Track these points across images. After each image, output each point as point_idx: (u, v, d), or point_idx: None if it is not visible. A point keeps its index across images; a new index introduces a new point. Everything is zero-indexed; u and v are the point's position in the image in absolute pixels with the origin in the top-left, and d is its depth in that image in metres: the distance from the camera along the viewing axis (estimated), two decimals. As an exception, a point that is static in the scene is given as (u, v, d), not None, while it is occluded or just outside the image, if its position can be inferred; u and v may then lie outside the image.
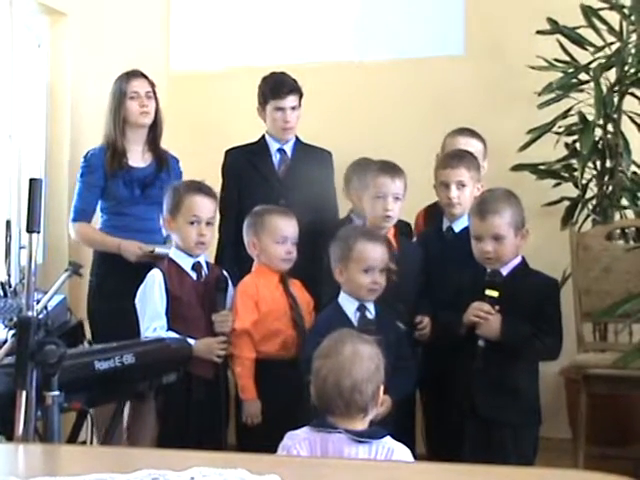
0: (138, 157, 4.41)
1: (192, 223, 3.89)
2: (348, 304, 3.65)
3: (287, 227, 3.95)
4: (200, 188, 3.96)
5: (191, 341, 3.79)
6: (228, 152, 4.59)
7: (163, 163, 4.42)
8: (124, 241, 4.23)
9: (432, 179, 4.16)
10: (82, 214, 4.40)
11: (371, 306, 3.66)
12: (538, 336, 3.51)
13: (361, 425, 2.66)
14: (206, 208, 3.92)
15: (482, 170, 4.27)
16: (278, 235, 3.93)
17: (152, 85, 4.43)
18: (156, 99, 4.43)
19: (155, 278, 3.87)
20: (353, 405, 2.65)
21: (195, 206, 3.90)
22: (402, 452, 2.61)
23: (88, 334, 3.86)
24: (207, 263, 4.00)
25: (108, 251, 4.28)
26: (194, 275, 3.93)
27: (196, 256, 3.93)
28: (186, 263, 3.92)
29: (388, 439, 2.63)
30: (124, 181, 4.31)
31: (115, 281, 4.18)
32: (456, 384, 3.63)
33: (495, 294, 3.52)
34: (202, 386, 3.81)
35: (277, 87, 4.44)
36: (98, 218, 4.47)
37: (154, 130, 4.44)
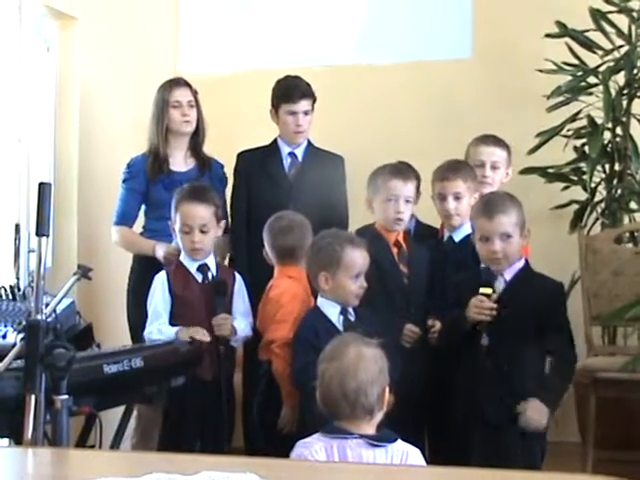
0: (180, 162, 4.46)
1: (186, 232, 3.91)
2: (330, 309, 3.63)
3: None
4: (191, 195, 3.96)
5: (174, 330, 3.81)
6: (240, 155, 4.60)
7: (205, 167, 4.45)
8: (158, 243, 4.24)
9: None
10: (124, 218, 4.43)
11: (351, 309, 3.65)
12: (563, 362, 3.55)
13: (369, 428, 2.66)
14: (197, 216, 3.91)
15: (507, 176, 4.27)
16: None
17: (195, 93, 4.47)
18: (198, 106, 4.46)
19: (158, 280, 3.90)
20: (359, 407, 2.65)
21: (185, 215, 3.92)
22: (416, 455, 2.62)
23: (97, 337, 3.86)
24: (217, 265, 4.00)
25: (145, 254, 4.30)
26: (199, 277, 3.93)
27: (202, 259, 3.94)
28: (192, 265, 3.93)
29: (400, 442, 2.63)
30: (164, 185, 4.34)
31: (146, 285, 4.16)
32: (461, 388, 3.62)
33: (489, 291, 3.52)
34: (201, 388, 3.80)
35: (290, 91, 4.44)
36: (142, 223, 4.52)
37: (196, 137, 4.47)
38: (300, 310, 3.77)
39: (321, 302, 3.66)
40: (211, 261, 3.97)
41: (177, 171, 4.42)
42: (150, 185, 4.41)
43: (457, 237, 4.00)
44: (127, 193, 4.44)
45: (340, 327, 3.58)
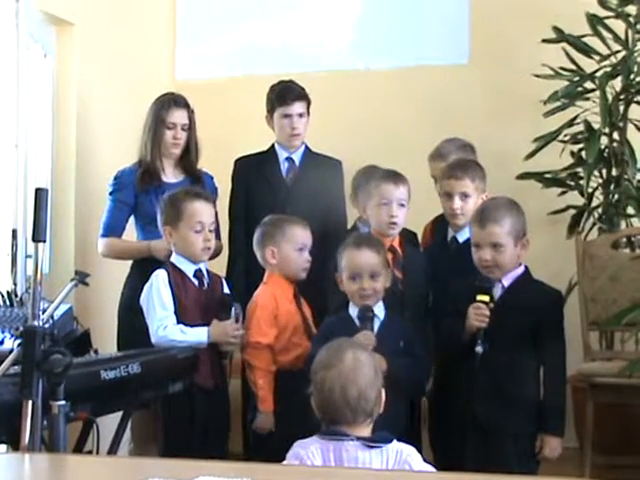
0: (170, 174, 4.43)
1: (197, 231, 3.88)
2: (352, 306, 3.66)
3: (307, 235, 3.97)
4: (198, 194, 3.96)
5: (204, 329, 3.80)
6: (237, 161, 4.61)
7: (198, 181, 4.41)
8: (153, 241, 4.23)
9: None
10: (110, 230, 4.40)
11: (380, 309, 3.64)
12: (555, 376, 3.54)
13: (366, 430, 2.67)
14: (208, 213, 3.92)
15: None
16: (300, 243, 3.94)
17: (192, 113, 4.42)
18: (193, 127, 4.42)
19: (160, 277, 3.84)
20: (360, 412, 2.65)
21: (197, 213, 3.89)
22: (410, 453, 2.62)
23: (94, 343, 3.86)
24: (207, 271, 3.99)
25: (140, 256, 4.27)
26: (196, 282, 3.92)
27: (198, 263, 3.92)
28: (188, 270, 3.90)
29: (395, 442, 2.64)
30: (156, 195, 4.29)
31: (137, 293, 4.14)
32: (458, 393, 3.62)
33: (486, 299, 3.51)
34: (203, 396, 3.79)
35: (283, 94, 4.45)
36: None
37: (188, 156, 4.43)
38: (267, 316, 3.86)
39: (350, 302, 3.68)
40: (202, 266, 3.96)
41: (169, 182, 4.38)
42: (140, 196, 4.37)
43: (461, 237, 3.95)
44: (114, 205, 4.40)
45: (357, 323, 3.59)
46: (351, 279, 3.62)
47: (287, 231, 3.94)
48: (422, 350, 3.65)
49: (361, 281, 3.60)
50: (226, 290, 4.00)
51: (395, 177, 3.94)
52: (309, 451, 2.58)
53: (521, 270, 3.61)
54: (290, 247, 3.93)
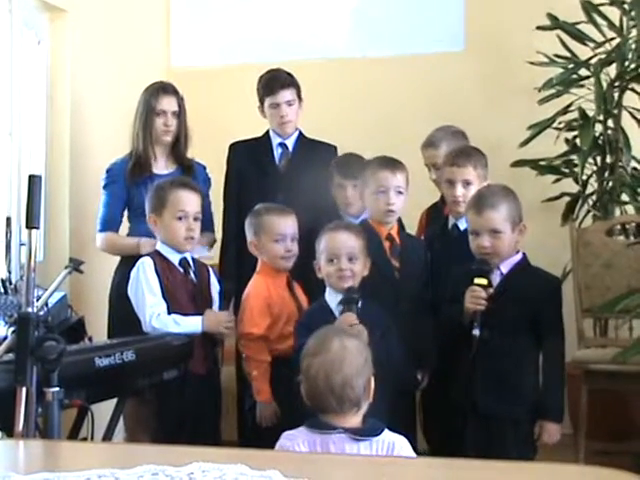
0: (162, 166, 4.44)
1: (180, 218, 3.85)
2: (330, 296, 3.62)
3: (284, 225, 3.93)
4: (184, 183, 3.95)
5: (198, 319, 3.79)
6: (232, 146, 4.61)
7: (189, 171, 4.41)
8: (142, 239, 4.22)
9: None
10: (107, 224, 4.40)
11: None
12: (553, 363, 3.54)
13: (356, 420, 2.65)
14: (192, 203, 3.89)
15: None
16: (275, 233, 3.92)
17: (181, 100, 4.43)
18: (182, 114, 4.42)
19: (146, 264, 3.82)
20: (346, 400, 2.64)
21: (181, 201, 3.87)
22: (402, 444, 2.61)
23: (89, 331, 3.85)
24: (193, 260, 3.98)
25: (130, 253, 4.26)
26: (181, 270, 3.90)
27: (183, 252, 3.91)
28: (174, 258, 3.88)
29: (386, 433, 2.63)
30: (146, 187, 4.27)
31: (127, 281, 4.12)
32: (456, 380, 3.62)
33: (484, 282, 3.51)
34: (196, 382, 3.78)
35: (270, 84, 4.46)
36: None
37: (178, 144, 4.44)
38: (260, 306, 3.84)
39: (327, 289, 3.66)
40: (188, 256, 3.95)
41: (159, 174, 4.38)
42: (132, 189, 4.37)
43: (462, 225, 3.90)
44: (109, 198, 4.41)
45: (337, 314, 3.55)
46: (329, 261, 3.59)
47: (264, 222, 3.93)
48: (401, 340, 3.61)
49: (339, 262, 3.58)
50: (213, 278, 3.99)
51: (392, 164, 3.90)
52: (295, 444, 2.57)
53: (519, 257, 3.61)
54: (267, 238, 3.92)
